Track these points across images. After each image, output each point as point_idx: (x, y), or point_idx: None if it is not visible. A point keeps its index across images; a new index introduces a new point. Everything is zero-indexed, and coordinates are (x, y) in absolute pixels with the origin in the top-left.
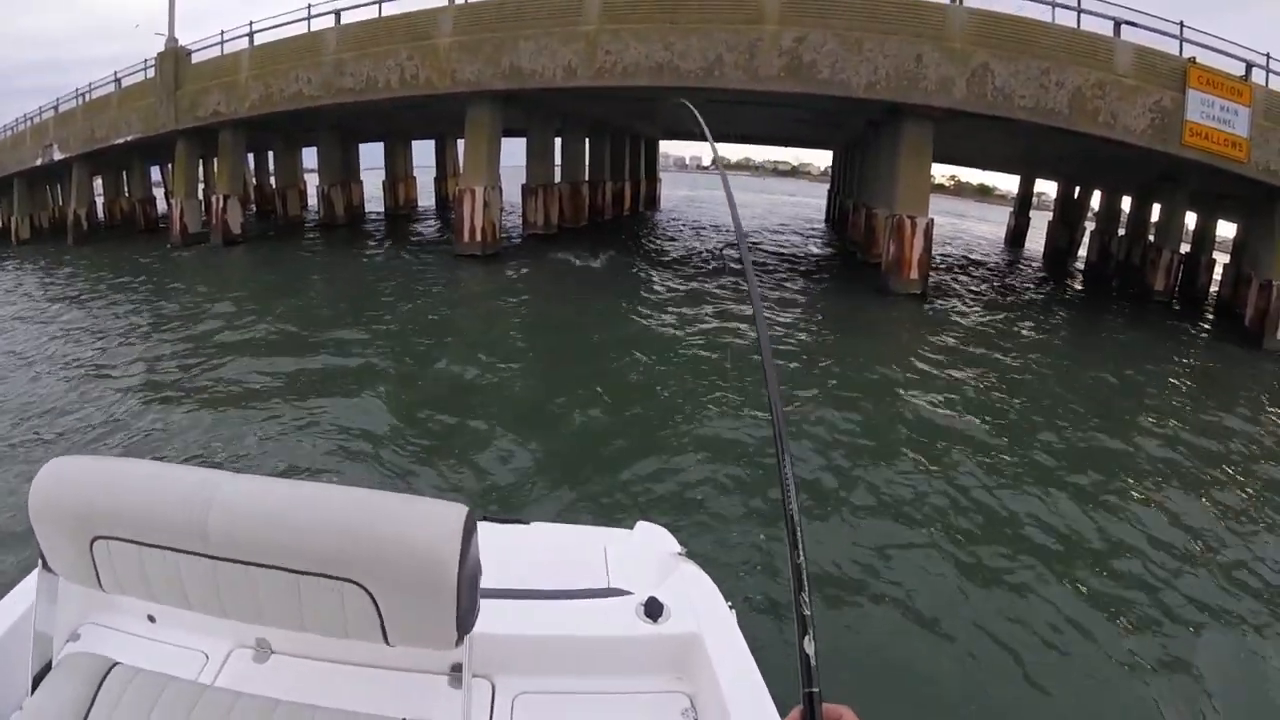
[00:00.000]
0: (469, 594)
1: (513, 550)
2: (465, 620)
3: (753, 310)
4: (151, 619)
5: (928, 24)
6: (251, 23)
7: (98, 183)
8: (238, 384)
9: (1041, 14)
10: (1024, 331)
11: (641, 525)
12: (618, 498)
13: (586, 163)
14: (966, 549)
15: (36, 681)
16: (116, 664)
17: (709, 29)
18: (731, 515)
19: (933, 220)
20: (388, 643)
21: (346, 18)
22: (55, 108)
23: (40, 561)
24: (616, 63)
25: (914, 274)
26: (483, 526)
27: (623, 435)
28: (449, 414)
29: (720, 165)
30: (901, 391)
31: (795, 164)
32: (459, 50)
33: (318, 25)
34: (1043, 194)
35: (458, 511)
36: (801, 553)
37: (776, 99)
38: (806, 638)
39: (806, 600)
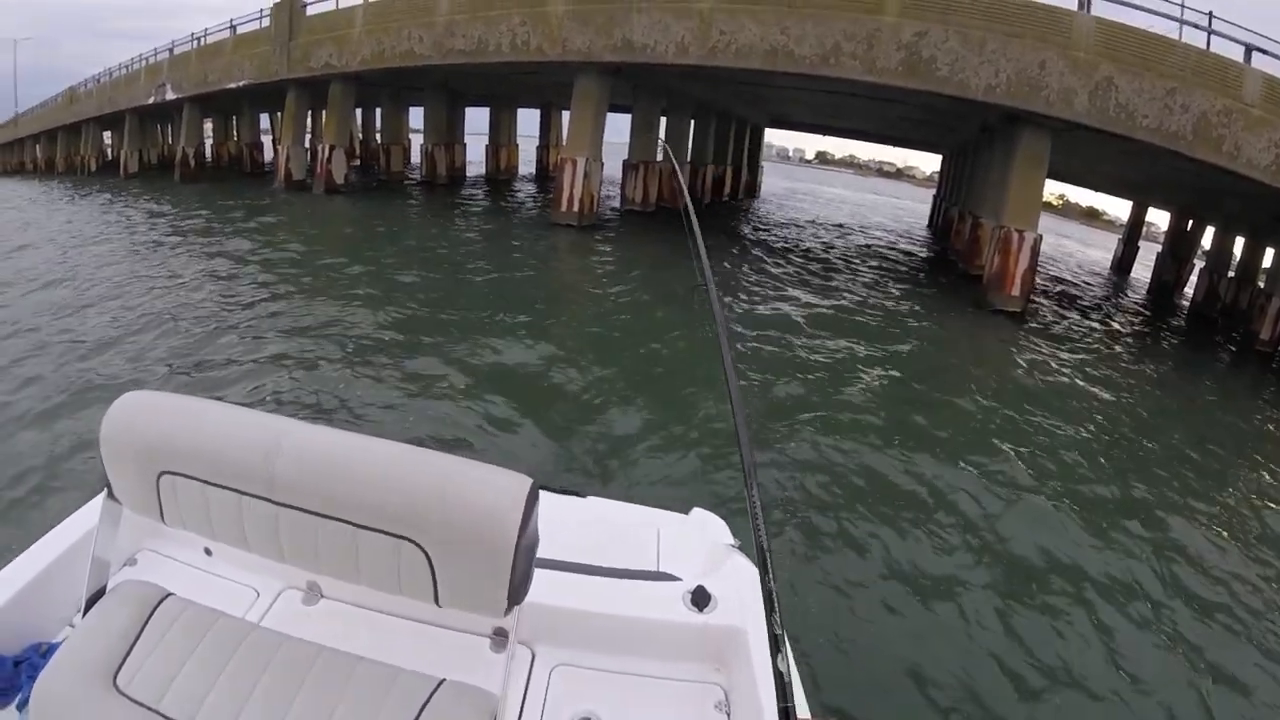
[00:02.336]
0: (524, 565)
1: (566, 523)
2: (517, 591)
3: (719, 337)
4: (208, 552)
5: (1054, 30)
6: None
7: (208, 125)
8: (324, 323)
9: (1168, 30)
10: (1118, 369)
11: (697, 512)
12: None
13: (689, 144)
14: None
15: (90, 604)
16: (170, 594)
17: (827, 15)
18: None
19: (1040, 236)
20: (438, 604)
21: None
22: (170, 50)
23: (106, 489)
24: (730, 43)
25: (1015, 291)
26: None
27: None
28: (524, 380)
29: (686, 203)
30: (978, 415)
31: (900, 165)
32: (571, 19)
33: None
34: (1152, 224)
35: (522, 482)
36: (772, 577)
37: (891, 94)
38: (779, 655)
39: (779, 621)
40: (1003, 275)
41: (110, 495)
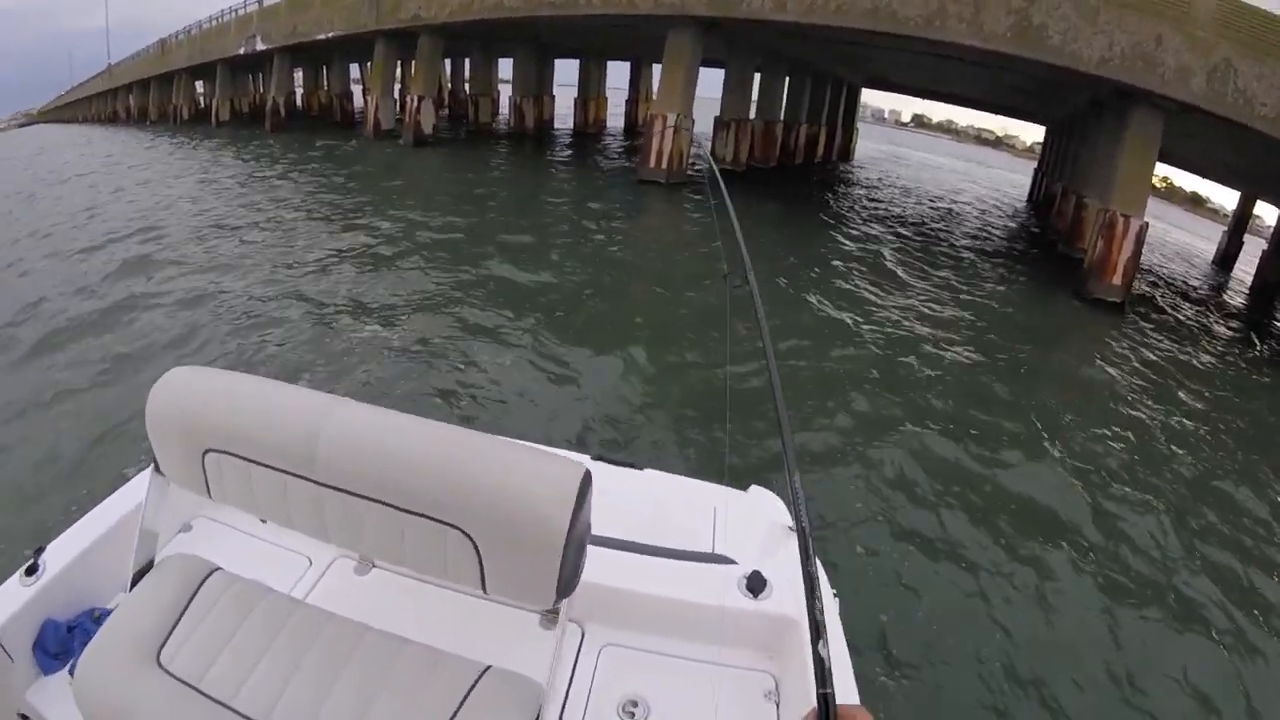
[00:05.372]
0: (574, 557)
1: (622, 496)
2: (567, 584)
3: (760, 335)
4: (263, 519)
5: (1171, 3)
6: None
7: (298, 75)
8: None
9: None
10: (1217, 378)
11: (755, 490)
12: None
13: (783, 103)
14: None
15: (137, 578)
16: (216, 569)
17: None
18: None
19: (1147, 224)
20: (485, 591)
21: None
22: (260, 1)
23: (152, 464)
24: None
25: (1117, 279)
26: (594, 467)
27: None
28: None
29: (719, 179)
30: (1062, 425)
31: (1000, 134)
32: None
33: None
34: (1259, 218)
35: (574, 469)
36: (815, 562)
37: (998, 60)
38: (820, 641)
39: (820, 606)
40: (1105, 262)
41: (157, 470)
